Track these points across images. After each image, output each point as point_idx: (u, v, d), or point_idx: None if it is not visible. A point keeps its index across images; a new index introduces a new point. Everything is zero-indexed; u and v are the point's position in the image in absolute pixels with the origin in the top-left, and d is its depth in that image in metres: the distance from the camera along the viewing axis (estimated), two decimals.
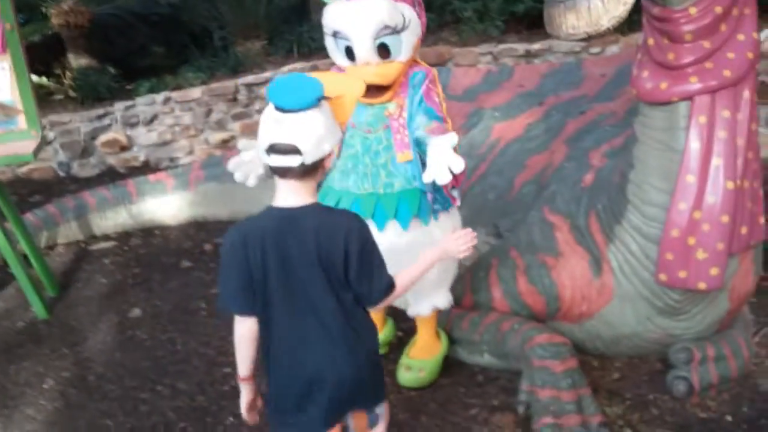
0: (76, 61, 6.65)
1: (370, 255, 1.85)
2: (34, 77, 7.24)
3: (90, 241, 4.70)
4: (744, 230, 2.36)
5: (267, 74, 6.31)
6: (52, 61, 6.85)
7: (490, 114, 3.62)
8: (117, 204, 4.86)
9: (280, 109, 1.72)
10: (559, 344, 2.64)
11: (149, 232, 4.80)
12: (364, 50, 2.48)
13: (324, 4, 2.56)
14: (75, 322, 3.68)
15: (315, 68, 6.32)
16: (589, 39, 2.08)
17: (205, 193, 4.89)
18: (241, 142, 2.48)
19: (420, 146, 2.49)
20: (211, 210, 4.88)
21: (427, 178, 2.26)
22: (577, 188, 2.83)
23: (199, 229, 4.77)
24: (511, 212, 3.18)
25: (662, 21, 2.26)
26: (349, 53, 2.52)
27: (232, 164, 2.44)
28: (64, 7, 6.37)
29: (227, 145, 6.32)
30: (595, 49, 5.89)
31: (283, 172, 1.78)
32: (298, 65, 6.32)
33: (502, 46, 6.19)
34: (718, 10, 2.18)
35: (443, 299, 2.80)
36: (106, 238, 4.76)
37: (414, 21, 2.52)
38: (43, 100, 6.47)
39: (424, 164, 2.53)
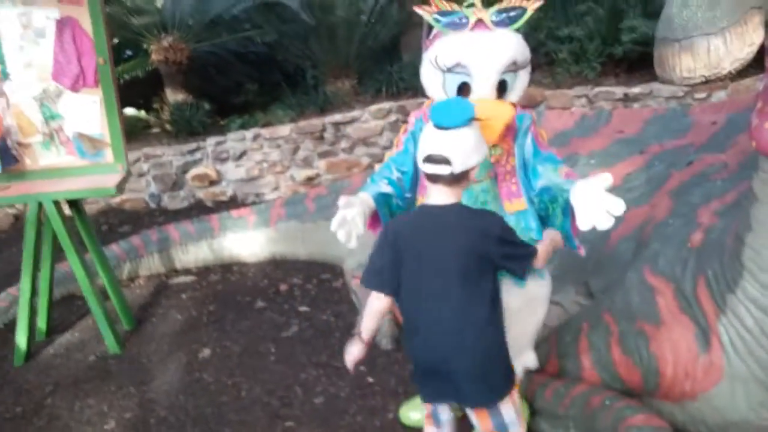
0: (174, 96, 6.85)
1: (510, 236, 2.12)
2: (133, 111, 7.57)
3: (171, 275, 4.71)
4: None
5: (354, 113, 6.30)
6: (152, 96, 7.10)
7: (585, 161, 3.36)
8: (199, 238, 4.87)
9: (438, 126, 2.03)
10: (658, 428, 2.31)
11: (228, 268, 4.77)
12: (487, 86, 2.28)
13: (439, 33, 2.34)
14: (145, 359, 3.63)
15: (402, 108, 6.26)
16: (707, 83, 1.78)
17: (285, 231, 4.84)
18: (342, 200, 2.22)
19: (558, 195, 2.26)
20: (289, 248, 4.81)
21: (584, 225, 2.06)
22: (684, 249, 2.52)
23: (276, 267, 4.70)
24: (605, 270, 2.89)
25: None
26: (461, 88, 2.32)
27: (335, 224, 2.18)
28: (164, 43, 6.57)
29: (312, 183, 6.32)
30: (700, 95, 5.48)
31: (435, 179, 2.07)
32: (386, 105, 6.28)
33: (598, 89, 5.92)
34: None
35: (533, 359, 2.54)
36: (186, 272, 4.76)
37: (529, 59, 2.35)
38: (141, 133, 6.71)
39: (540, 218, 2.36)
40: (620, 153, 3.30)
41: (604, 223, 2.01)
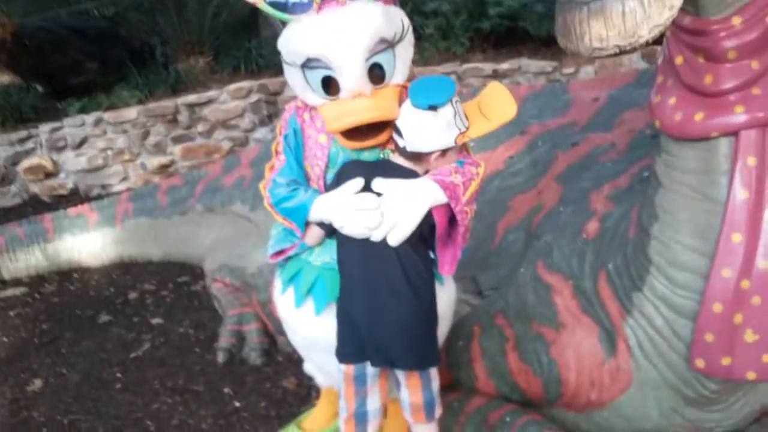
0: None
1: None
2: None
3: None
4: None
5: (211, 93, 5.82)
6: None
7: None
8: (30, 243, 4.22)
9: (414, 104, 1.88)
10: None
11: (66, 276, 4.15)
12: (355, 78, 1.85)
13: (280, 22, 1.90)
14: None
15: (264, 87, 5.82)
16: (620, 54, 1.50)
17: (134, 230, 4.28)
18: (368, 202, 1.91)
19: None
20: (140, 249, 4.26)
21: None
22: (579, 240, 2.29)
23: (124, 272, 4.14)
24: (493, 265, 2.63)
25: (696, 34, 1.74)
26: (327, 84, 1.89)
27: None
28: None
29: (167, 171, 5.77)
30: (568, 70, 5.51)
31: (395, 146, 1.96)
32: (246, 84, 5.83)
33: (466, 66, 5.84)
34: None
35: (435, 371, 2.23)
36: (16, 283, 4.10)
37: (407, 27, 1.94)
38: None
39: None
40: (500, 134, 3.04)
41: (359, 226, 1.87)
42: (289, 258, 2.08)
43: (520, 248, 2.56)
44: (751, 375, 1.83)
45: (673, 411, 2.07)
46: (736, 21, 1.68)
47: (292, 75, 1.93)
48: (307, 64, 1.86)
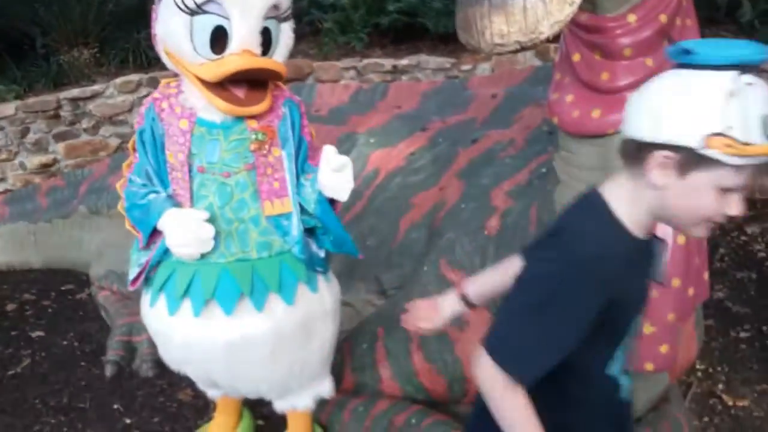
0: None
1: None
2: None
3: None
4: (691, 292, 1.91)
5: (96, 87, 5.49)
6: None
7: (364, 140, 3.03)
8: None
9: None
10: None
11: None
12: (250, 28, 1.78)
13: None
14: None
15: (154, 81, 5.55)
16: (521, 51, 1.48)
17: (10, 235, 3.95)
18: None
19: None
20: (18, 256, 3.94)
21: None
22: (480, 236, 2.29)
23: (1, 281, 3.80)
24: (396, 264, 2.59)
25: (593, 32, 1.76)
26: (216, 39, 1.79)
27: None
28: None
29: (50, 171, 5.40)
30: (466, 66, 5.58)
31: None
32: (134, 77, 5.54)
33: (366, 61, 5.80)
34: (663, 18, 1.71)
35: (328, 386, 2.15)
36: None
37: (290, 11, 1.91)
38: None
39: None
40: (401, 130, 3.02)
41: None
42: (156, 266, 1.95)
43: (423, 246, 2.54)
44: (648, 366, 1.88)
45: None
46: (632, 18, 1.71)
47: (174, 26, 1.80)
48: (202, 7, 1.76)
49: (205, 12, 1.76)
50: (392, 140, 2.99)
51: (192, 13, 1.76)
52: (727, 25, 4.65)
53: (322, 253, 2.02)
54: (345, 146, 3.04)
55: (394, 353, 2.29)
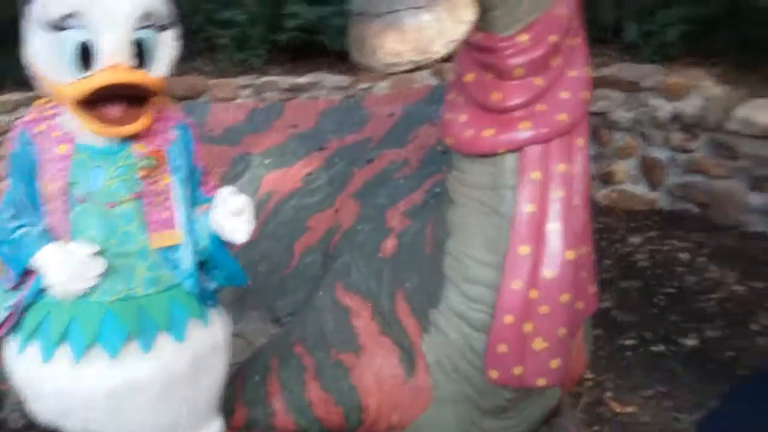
0: None
1: None
2: None
3: None
4: (580, 306, 1.93)
5: None
6: None
7: (259, 161, 2.92)
8: None
9: None
10: None
11: None
12: (116, 43, 1.61)
13: None
14: None
15: (34, 100, 5.22)
16: (416, 70, 1.44)
17: None
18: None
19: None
20: None
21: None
22: (376, 259, 2.24)
23: None
24: (291, 289, 2.49)
25: (485, 51, 1.76)
26: (84, 55, 1.62)
27: None
28: None
29: None
30: (364, 85, 5.59)
31: None
32: (14, 96, 5.23)
33: (264, 79, 5.72)
34: (553, 38, 1.73)
35: (218, 424, 2.01)
36: None
37: (172, 20, 1.75)
38: None
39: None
40: (298, 150, 2.94)
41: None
42: (27, 309, 1.77)
43: (318, 270, 2.45)
44: (541, 381, 1.88)
45: (471, 424, 2.07)
46: (524, 38, 1.71)
47: (38, 44, 1.64)
48: (63, 24, 1.59)
49: (67, 27, 1.60)
50: (288, 161, 2.90)
51: (54, 29, 1.61)
52: (613, 44, 4.88)
53: (212, 286, 1.90)
54: (239, 167, 2.93)
55: (288, 385, 2.19)
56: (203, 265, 1.89)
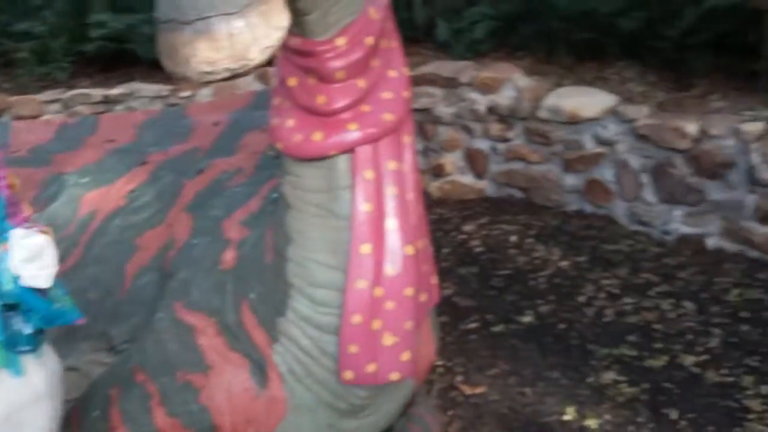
0: None
1: None
2: None
3: None
4: (424, 297, 2.00)
5: None
6: None
7: (74, 180, 2.71)
8: None
9: None
10: None
11: None
12: None
13: None
14: None
15: None
16: (234, 78, 1.40)
17: None
18: None
19: None
20: None
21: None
22: (217, 272, 2.16)
23: None
24: (125, 314, 2.33)
25: (305, 56, 1.76)
26: None
27: None
28: None
29: None
30: (185, 93, 5.38)
31: None
32: None
33: (72, 92, 5.35)
34: (369, 41, 1.76)
35: None
36: None
37: None
38: None
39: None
40: (118, 166, 2.76)
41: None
42: None
43: (154, 291, 2.32)
44: (394, 375, 1.92)
45: (330, 427, 2.07)
46: (341, 42, 1.73)
47: None
48: None
49: None
50: (108, 178, 2.72)
51: None
52: (427, 43, 5.06)
53: (28, 329, 1.72)
54: (51, 189, 2.71)
55: (132, 415, 2.05)
56: (14, 308, 1.71)
